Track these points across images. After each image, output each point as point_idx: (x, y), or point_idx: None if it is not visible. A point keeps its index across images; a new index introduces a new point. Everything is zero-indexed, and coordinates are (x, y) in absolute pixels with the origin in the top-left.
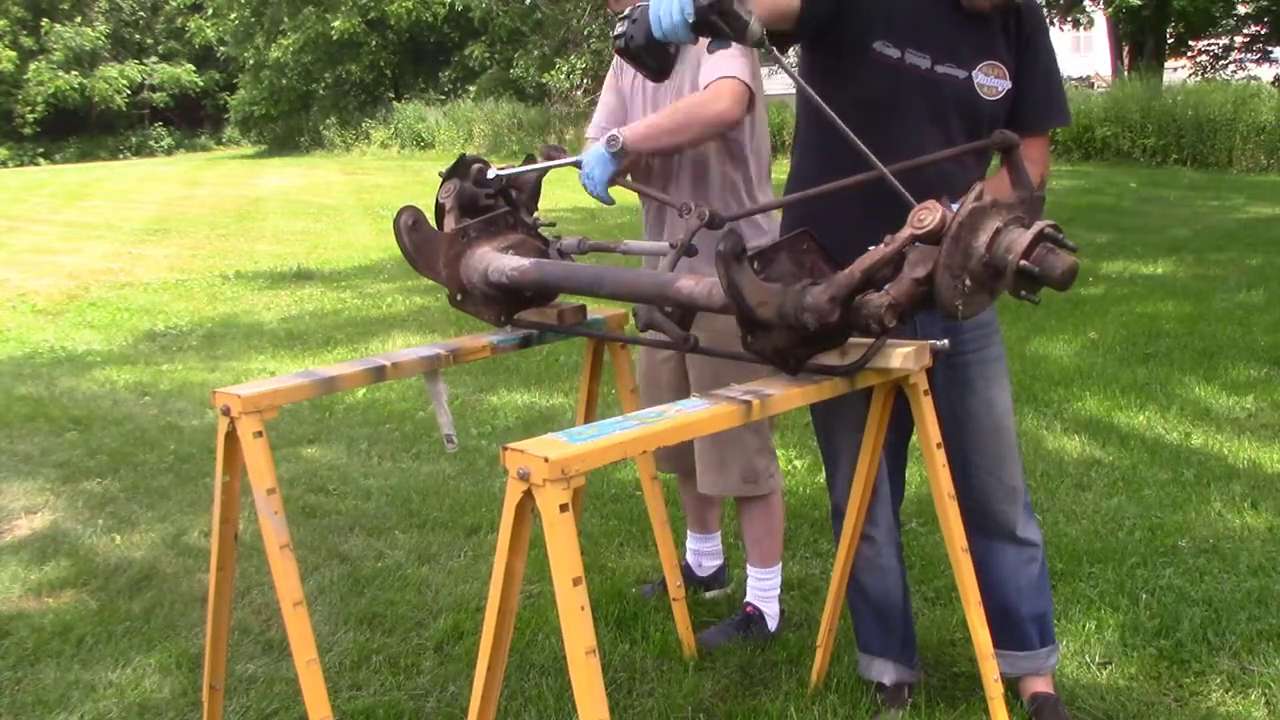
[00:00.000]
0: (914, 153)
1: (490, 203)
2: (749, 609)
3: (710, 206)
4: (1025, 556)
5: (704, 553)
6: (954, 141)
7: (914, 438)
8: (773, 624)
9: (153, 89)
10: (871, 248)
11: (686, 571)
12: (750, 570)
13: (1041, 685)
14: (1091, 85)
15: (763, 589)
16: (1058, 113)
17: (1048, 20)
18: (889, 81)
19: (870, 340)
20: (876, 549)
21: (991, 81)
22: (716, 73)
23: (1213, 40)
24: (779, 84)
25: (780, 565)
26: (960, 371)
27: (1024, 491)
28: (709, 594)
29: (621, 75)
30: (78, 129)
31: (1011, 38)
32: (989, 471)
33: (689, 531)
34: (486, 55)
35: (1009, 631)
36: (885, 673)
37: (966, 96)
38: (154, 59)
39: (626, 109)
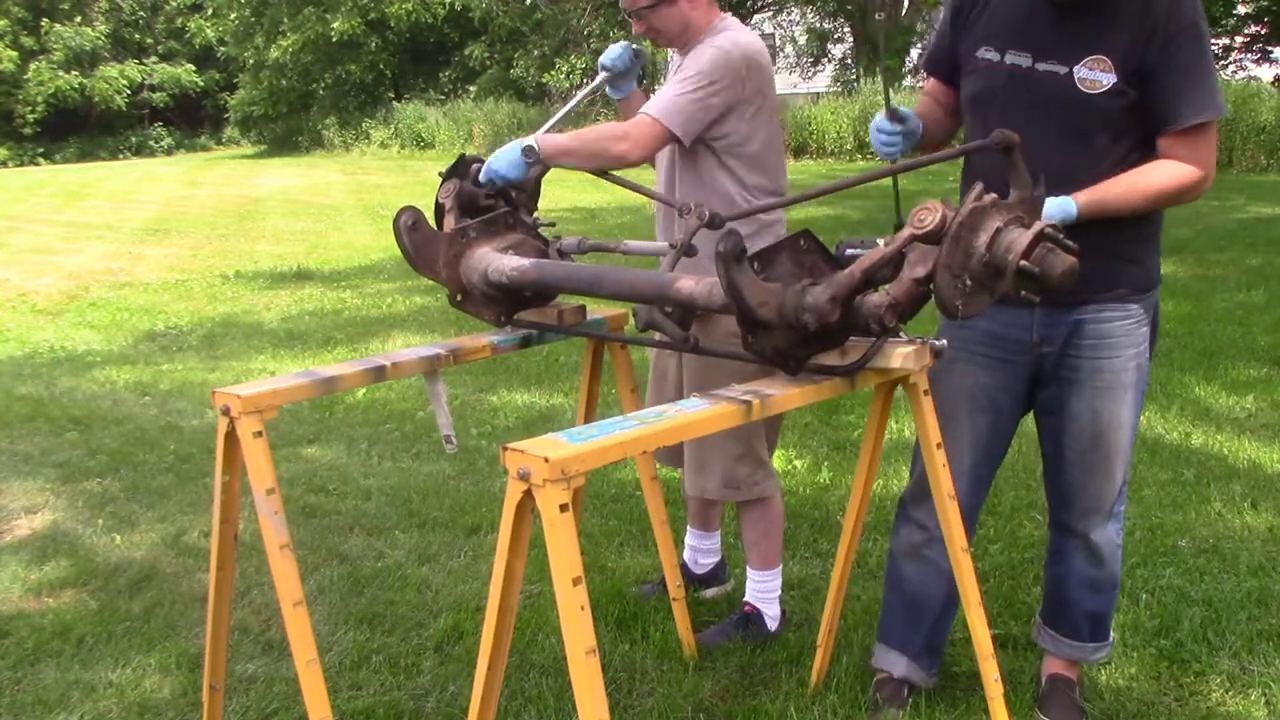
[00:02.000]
0: (1033, 147)
1: (490, 203)
2: (747, 608)
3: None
4: (1093, 561)
5: (701, 550)
6: (1055, 135)
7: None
8: (773, 625)
9: (153, 89)
10: None
11: (684, 568)
12: (750, 573)
13: (1062, 668)
14: None
15: (762, 591)
16: (1199, 107)
17: (1198, 23)
18: (990, 81)
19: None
20: (927, 537)
21: (1094, 75)
22: (645, 106)
23: (1213, 40)
24: (781, 83)
25: (780, 568)
26: (1071, 371)
27: (1113, 505)
28: (707, 592)
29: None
30: (78, 129)
31: (1145, 32)
32: (1079, 475)
33: (689, 528)
34: (486, 55)
35: (1060, 618)
36: (897, 665)
37: (1067, 92)
38: (154, 59)
39: None
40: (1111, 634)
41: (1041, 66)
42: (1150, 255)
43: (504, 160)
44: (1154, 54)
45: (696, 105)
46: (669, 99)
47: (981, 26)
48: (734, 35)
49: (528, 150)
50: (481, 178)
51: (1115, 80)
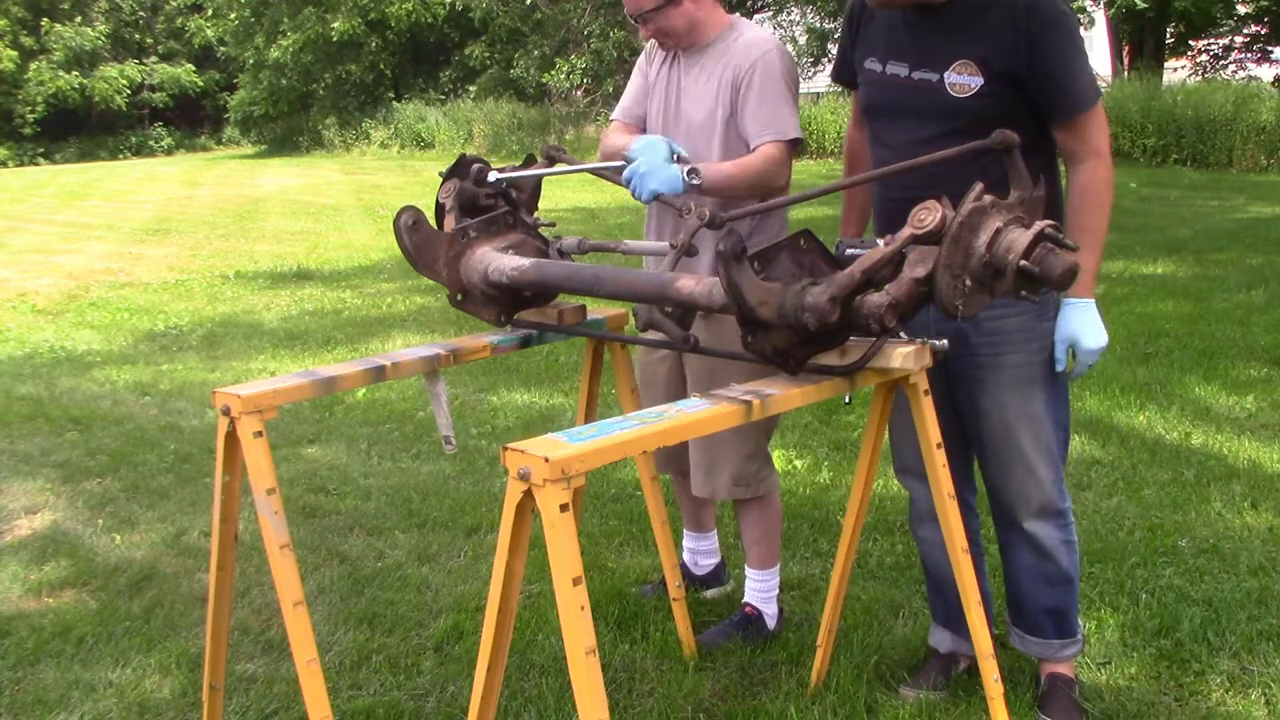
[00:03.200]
0: (899, 150)
1: (490, 203)
2: (747, 609)
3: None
4: (1038, 555)
5: (700, 551)
6: (935, 139)
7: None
8: (771, 624)
9: (153, 89)
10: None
11: (684, 571)
12: (749, 572)
13: (1058, 668)
14: None
15: (761, 590)
16: (1074, 101)
17: (1061, 18)
18: (876, 91)
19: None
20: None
21: (963, 79)
22: (771, 132)
23: (1213, 40)
24: None
25: (779, 566)
26: (975, 370)
27: (1046, 501)
28: (708, 593)
29: (650, 62)
30: (78, 129)
31: (1010, 35)
32: (998, 471)
33: (685, 531)
34: (486, 55)
35: (1021, 614)
36: (941, 641)
37: (940, 97)
38: (154, 59)
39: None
40: (1080, 631)
41: (917, 75)
42: None
43: (663, 179)
44: (1021, 56)
45: (794, 108)
46: (778, 115)
47: (867, 38)
48: (771, 36)
49: (692, 173)
50: (643, 198)
51: (983, 83)
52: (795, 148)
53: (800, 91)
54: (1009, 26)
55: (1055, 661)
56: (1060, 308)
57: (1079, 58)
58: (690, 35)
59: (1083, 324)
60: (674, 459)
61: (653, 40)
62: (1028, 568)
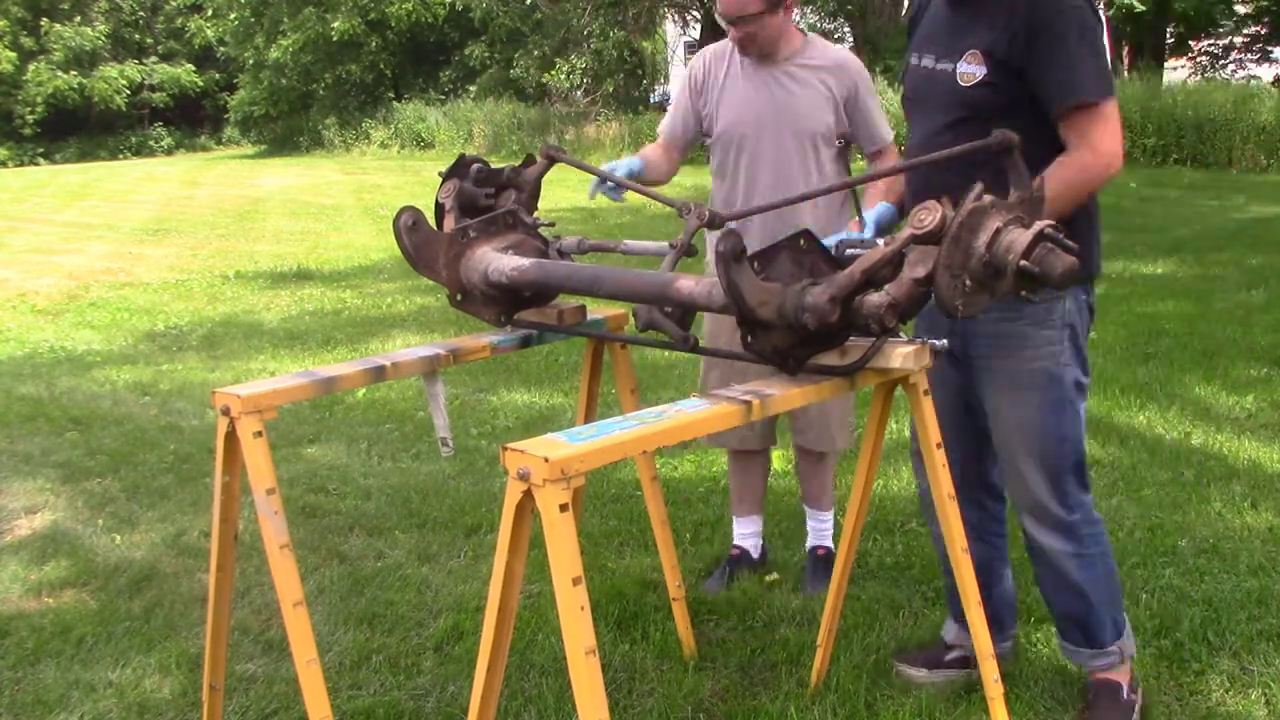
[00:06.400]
0: (919, 141)
1: (490, 203)
2: (821, 550)
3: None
4: (1042, 561)
5: (758, 534)
6: (942, 127)
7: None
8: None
9: (153, 89)
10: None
11: (744, 558)
12: (820, 515)
13: (1100, 674)
14: None
15: (829, 530)
16: (1076, 89)
17: (1064, 10)
18: (912, 83)
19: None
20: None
21: (969, 69)
22: (877, 140)
23: (1213, 40)
24: None
25: None
26: (980, 372)
27: (1047, 509)
28: (774, 576)
29: (712, 75)
30: (78, 129)
31: (1012, 25)
32: (1004, 472)
33: (748, 516)
34: (486, 55)
35: (1052, 615)
36: (950, 631)
37: (951, 85)
38: (154, 59)
39: (697, 115)
40: (1114, 646)
41: (939, 66)
42: None
43: None
44: (1020, 46)
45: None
46: (884, 122)
47: (916, 36)
48: (848, 51)
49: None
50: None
51: (986, 73)
52: None
53: None
54: (1013, 17)
55: (1095, 670)
56: None
57: (1082, 49)
58: (774, 44)
59: None
60: (761, 436)
61: (706, 57)
62: (1040, 571)
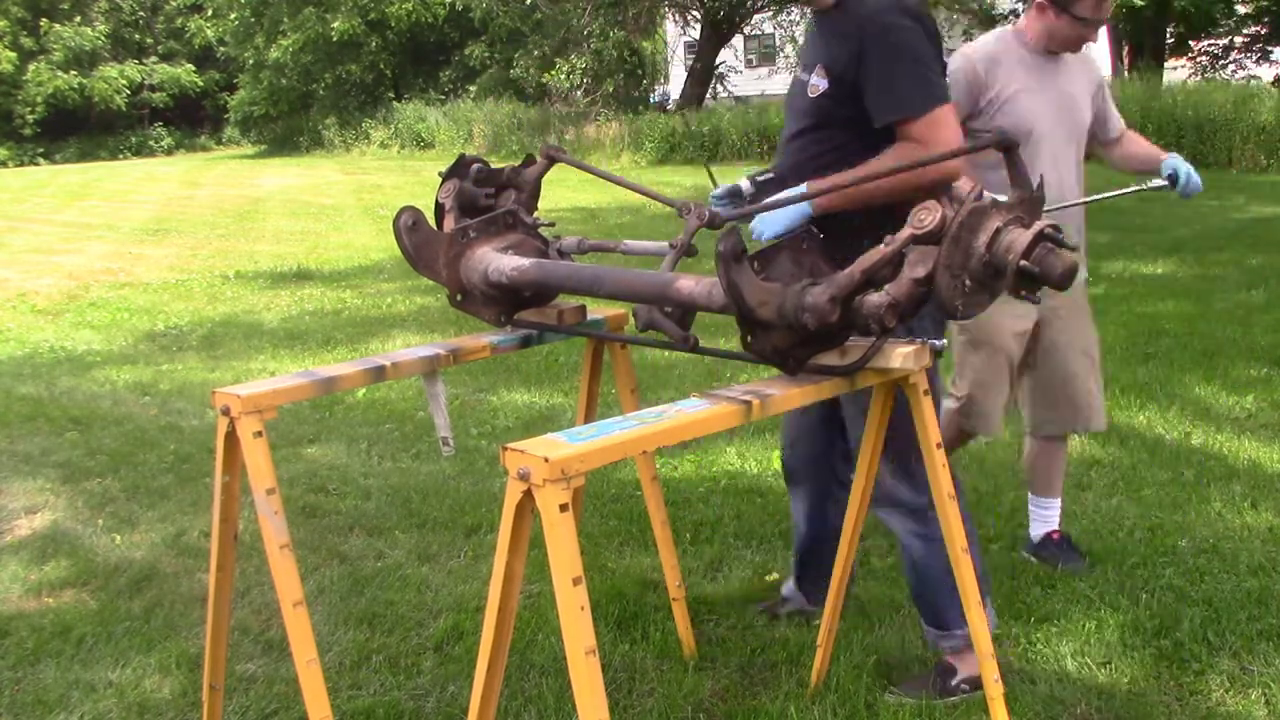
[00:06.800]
0: (785, 140)
1: (490, 203)
2: (1057, 535)
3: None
4: (898, 540)
5: (1052, 515)
6: (796, 132)
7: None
8: None
9: (153, 89)
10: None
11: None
12: (1052, 503)
13: (946, 656)
14: None
15: (1057, 515)
16: (890, 107)
17: (889, 30)
18: (789, 92)
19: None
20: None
21: (816, 81)
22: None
23: (1213, 40)
24: (780, 82)
25: None
26: None
27: (894, 496)
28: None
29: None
30: (78, 129)
31: (849, 44)
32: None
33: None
34: (486, 55)
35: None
36: (787, 588)
37: (804, 95)
38: (154, 59)
39: None
40: (958, 631)
41: (801, 75)
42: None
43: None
44: (855, 64)
45: None
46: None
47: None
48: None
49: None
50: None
51: (827, 85)
52: None
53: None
54: (852, 35)
55: (943, 651)
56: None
57: (903, 66)
58: None
59: (763, 219)
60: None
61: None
62: (900, 551)
